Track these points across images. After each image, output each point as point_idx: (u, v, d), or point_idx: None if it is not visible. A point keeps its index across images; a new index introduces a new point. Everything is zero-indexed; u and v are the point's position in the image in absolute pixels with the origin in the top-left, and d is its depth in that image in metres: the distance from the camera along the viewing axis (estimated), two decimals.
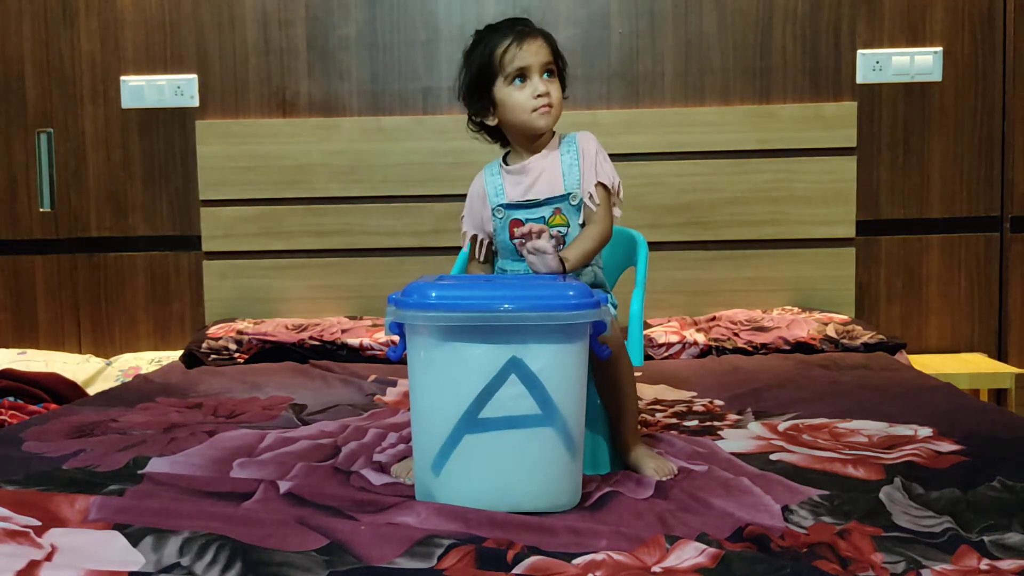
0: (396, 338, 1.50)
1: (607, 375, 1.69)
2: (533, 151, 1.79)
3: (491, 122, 1.80)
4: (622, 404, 1.70)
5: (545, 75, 1.74)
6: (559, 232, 1.74)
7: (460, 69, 1.81)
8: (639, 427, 1.78)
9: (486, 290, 1.46)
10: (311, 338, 2.91)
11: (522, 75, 1.73)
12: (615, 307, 1.82)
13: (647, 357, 2.80)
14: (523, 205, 1.76)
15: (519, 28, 1.75)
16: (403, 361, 1.52)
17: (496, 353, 1.42)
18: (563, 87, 1.79)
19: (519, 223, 1.75)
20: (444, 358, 1.44)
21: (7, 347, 3.34)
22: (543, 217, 1.75)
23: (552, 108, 1.74)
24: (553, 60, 1.76)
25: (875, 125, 3.27)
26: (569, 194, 1.74)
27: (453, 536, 1.29)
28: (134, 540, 1.27)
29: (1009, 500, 1.45)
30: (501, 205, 1.77)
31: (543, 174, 1.76)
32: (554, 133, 1.81)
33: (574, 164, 1.76)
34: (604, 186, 1.75)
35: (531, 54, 1.72)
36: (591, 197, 1.74)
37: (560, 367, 1.45)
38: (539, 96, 1.72)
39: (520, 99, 1.73)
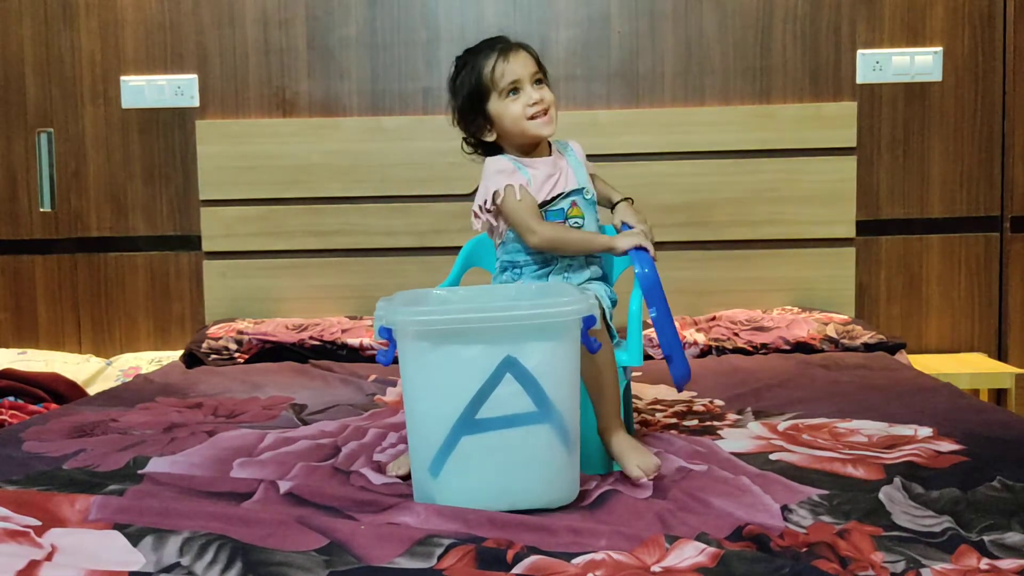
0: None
1: (586, 362, 1.67)
2: (535, 158, 1.83)
3: (489, 138, 1.84)
4: (601, 385, 1.67)
5: (535, 83, 1.80)
6: (576, 223, 1.80)
7: (449, 97, 1.85)
8: (624, 419, 1.77)
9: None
10: (311, 338, 2.91)
11: (515, 88, 1.78)
12: (614, 303, 1.83)
13: (647, 357, 2.80)
14: (545, 202, 1.80)
15: (500, 45, 1.81)
16: (395, 362, 1.52)
17: (491, 353, 1.43)
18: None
19: None
20: (438, 361, 1.45)
21: (7, 347, 3.34)
22: (563, 209, 1.79)
23: (550, 112, 1.79)
24: (539, 69, 1.82)
25: (875, 125, 3.27)
26: (583, 188, 1.82)
27: (453, 536, 1.29)
28: (134, 540, 1.27)
29: (1009, 500, 1.45)
30: None
31: (560, 173, 1.82)
32: (548, 143, 1.87)
33: (579, 164, 1.85)
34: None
35: (519, 66, 1.78)
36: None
37: (554, 363, 1.46)
38: (534, 104, 1.77)
39: (516, 109, 1.78)
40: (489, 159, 1.83)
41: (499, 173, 1.79)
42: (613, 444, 1.67)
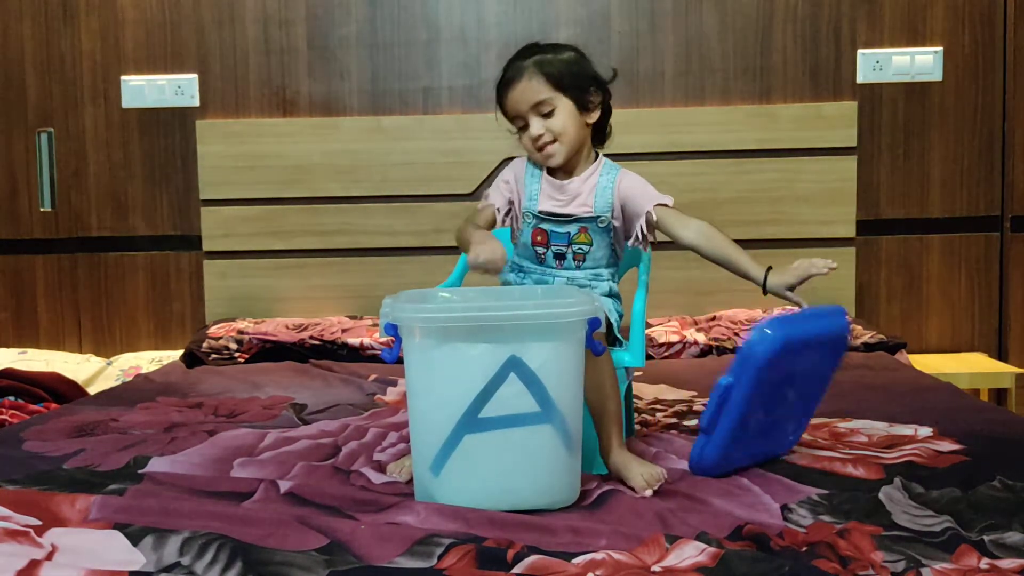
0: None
1: (589, 375, 1.67)
2: (569, 172, 1.80)
3: None
4: (603, 404, 1.66)
5: (543, 114, 1.73)
6: (580, 250, 1.77)
7: None
8: (626, 429, 1.76)
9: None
10: (311, 338, 2.91)
11: (522, 121, 1.76)
12: (621, 316, 1.82)
13: (648, 357, 2.79)
14: (552, 218, 1.77)
15: (508, 75, 1.75)
16: (399, 361, 1.52)
17: (495, 352, 1.43)
18: (585, 101, 1.75)
19: (543, 233, 1.77)
20: (443, 359, 1.45)
21: (8, 347, 3.34)
22: (569, 233, 1.77)
23: (555, 144, 1.74)
24: (552, 89, 1.73)
25: (875, 125, 3.27)
26: (597, 217, 1.76)
27: (453, 536, 1.29)
28: (134, 540, 1.27)
29: (1009, 500, 1.46)
30: (531, 213, 1.79)
31: (579, 195, 1.78)
32: (598, 155, 1.82)
33: (607, 188, 1.76)
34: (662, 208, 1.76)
35: (517, 101, 1.74)
36: (647, 221, 1.75)
37: (558, 364, 1.46)
38: (534, 139, 1.75)
39: (526, 142, 1.77)
40: (517, 164, 1.83)
41: (504, 179, 1.82)
42: (614, 459, 1.64)
